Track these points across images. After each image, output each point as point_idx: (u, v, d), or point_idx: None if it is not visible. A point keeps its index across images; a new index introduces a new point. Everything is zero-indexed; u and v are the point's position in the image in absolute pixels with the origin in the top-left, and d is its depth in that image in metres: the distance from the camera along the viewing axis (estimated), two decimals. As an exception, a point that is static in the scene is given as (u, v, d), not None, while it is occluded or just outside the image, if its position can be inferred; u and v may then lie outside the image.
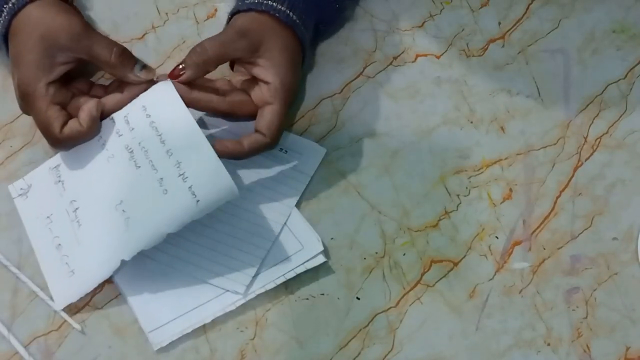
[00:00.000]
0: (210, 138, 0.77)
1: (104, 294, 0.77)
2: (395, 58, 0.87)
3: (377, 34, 0.88)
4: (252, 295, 0.76)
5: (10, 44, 0.78)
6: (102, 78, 0.84)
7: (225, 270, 0.76)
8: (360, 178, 0.81)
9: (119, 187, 0.76)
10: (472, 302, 0.76)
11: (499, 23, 0.88)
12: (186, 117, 0.75)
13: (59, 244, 0.77)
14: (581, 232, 0.78)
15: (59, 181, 0.79)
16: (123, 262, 0.73)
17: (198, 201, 0.72)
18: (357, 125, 0.83)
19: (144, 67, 0.78)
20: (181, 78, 0.76)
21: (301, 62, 0.80)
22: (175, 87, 0.76)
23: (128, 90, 0.78)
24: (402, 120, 0.84)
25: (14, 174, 0.81)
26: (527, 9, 0.88)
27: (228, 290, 0.76)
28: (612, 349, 0.74)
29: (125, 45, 0.83)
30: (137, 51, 0.86)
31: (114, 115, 0.78)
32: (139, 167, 0.75)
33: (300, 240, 0.78)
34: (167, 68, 0.85)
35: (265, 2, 0.78)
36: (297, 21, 0.79)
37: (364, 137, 0.83)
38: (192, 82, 0.77)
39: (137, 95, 0.78)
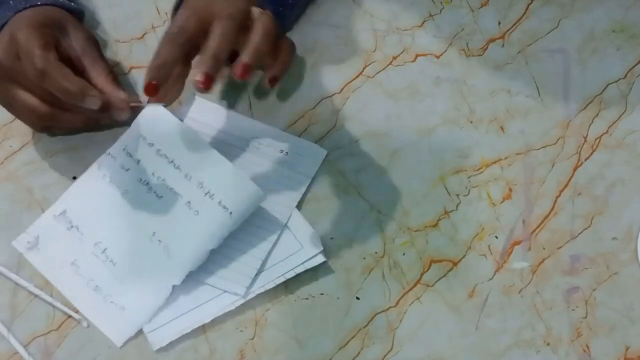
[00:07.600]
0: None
1: (104, 293, 0.77)
2: (395, 58, 0.87)
3: (377, 34, 0.88)
4: (252, 295, 0.76)
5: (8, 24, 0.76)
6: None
7: (226, 272, 0.76)
8: (360, 178, 0.81)
9: (147, 219, 0.77)
10: (472, 302, 0.76)
11: (499, 23, 0.88)
12: (191, 135, 0.76)
13: (97, 286, 0.76)
14: (581, 232, 0.78)
15: (72, 226, 0.78)
16: (174, 287, 0.75)
17: (231, 213, 0.74)
18: (357, 125, 0.83)
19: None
20: (159, 94, 0.73)
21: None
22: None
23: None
24: (402, 120, 0.84)
25: (14, 174, 0.81)
26: (527, 8, 0.88)
27: (228, 292, 0.76)
28: (611, 348, 0.74)
29: (125, 45, 0.83)
30: (137, 51, 0.87)
31: (111, 150, 0.79)
32: (161, 197, 0.76)
33: (299, 240, 0.78)
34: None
35: None
36: None
37: (363, 137, 0.83)
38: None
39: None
